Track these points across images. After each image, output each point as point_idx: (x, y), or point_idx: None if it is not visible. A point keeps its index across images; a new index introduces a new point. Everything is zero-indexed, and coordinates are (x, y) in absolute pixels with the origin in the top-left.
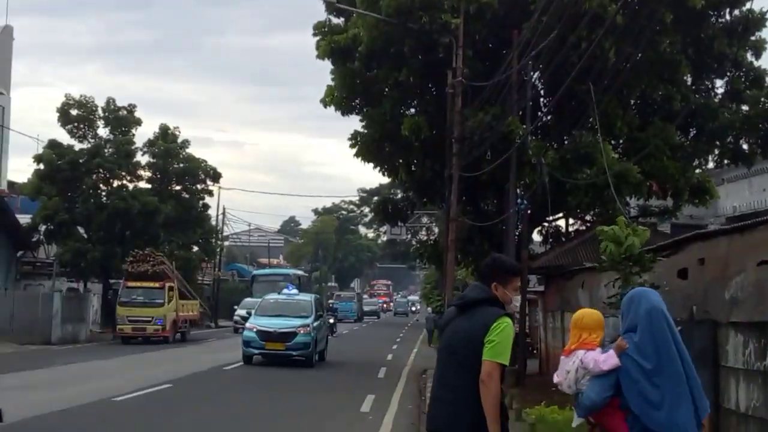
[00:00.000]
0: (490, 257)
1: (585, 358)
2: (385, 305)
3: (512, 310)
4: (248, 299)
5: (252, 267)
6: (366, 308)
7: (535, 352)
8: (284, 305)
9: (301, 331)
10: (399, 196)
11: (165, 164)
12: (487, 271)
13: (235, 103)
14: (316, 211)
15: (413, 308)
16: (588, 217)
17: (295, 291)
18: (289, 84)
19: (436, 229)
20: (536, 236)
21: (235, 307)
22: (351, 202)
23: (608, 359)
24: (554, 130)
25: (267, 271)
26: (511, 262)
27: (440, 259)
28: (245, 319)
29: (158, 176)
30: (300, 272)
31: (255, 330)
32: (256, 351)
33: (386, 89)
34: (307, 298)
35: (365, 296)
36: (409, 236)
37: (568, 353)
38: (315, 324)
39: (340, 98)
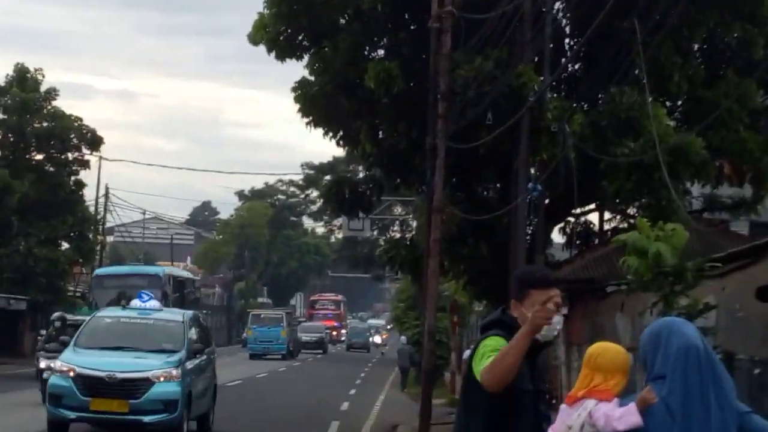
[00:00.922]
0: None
1: (595, 412)
2: (334, 333)
3: (543, 336)
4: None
5: None
6: (304, 337)
7: (554, 402)
8: (131, 330)
9: (161, 378)
10: (360, 175)
11: (20, 123)
12: (512, 288)
13: (127, 36)
14: (240, 195)
15: (377, 339)
16: (631, 210)
17: (154, 303)
18: (203, 10)
19: (414, 224)
20: (557, 236)
21: (42, 332)
22: (292, 182)
23: (626, 416)
24: (584, 85)
25: (118, 270)
26: (532, 269)
27: (419, 266)
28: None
29: (10, 139)
30: (183, 273)
31: (72, 375)
32: (73, 414)
33: (343, 21)
34: (175, 317)
35: (302, 319)
36: (375, 233)
37: (572, 402)
38: (189, 365)
39: (276, 33)
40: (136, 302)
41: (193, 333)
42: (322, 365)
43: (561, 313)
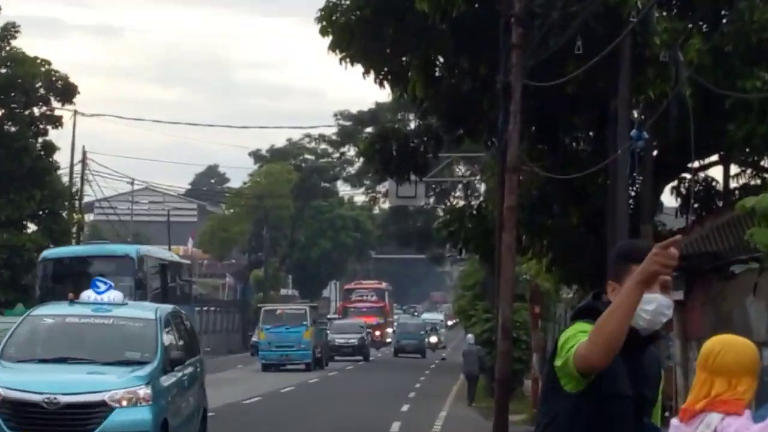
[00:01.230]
0: None
1: (724, 429)
2: (377, 333)
3: (647, 327)
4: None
5: None
6: (337, 339)
7: (667, 415)
8: (81, 335)
9: (124, 402)
10: (411, 125)
11: None
12: (609, 267)
13: None
14: (256, 156)
15: (435, 337)
16: (765, 162)
17: (115, 295)
18: None
19: (482, 188)
20: (668, 199)
21: None
22: (323, 138)
23: None
24: None
25: (73, 251)
26: (634, 243)
27: (489, 242)
28: None
29: None
30: (167, 255)
31: None
32: None
33: None
34: (145, 314)
35: (333, 316)
36: (431, 201)
37: (689, 417)
38: (165, 381)
39: None
40: (88, 294)
41: (170, 337)
42: (365, 374)
43: (671, 297)
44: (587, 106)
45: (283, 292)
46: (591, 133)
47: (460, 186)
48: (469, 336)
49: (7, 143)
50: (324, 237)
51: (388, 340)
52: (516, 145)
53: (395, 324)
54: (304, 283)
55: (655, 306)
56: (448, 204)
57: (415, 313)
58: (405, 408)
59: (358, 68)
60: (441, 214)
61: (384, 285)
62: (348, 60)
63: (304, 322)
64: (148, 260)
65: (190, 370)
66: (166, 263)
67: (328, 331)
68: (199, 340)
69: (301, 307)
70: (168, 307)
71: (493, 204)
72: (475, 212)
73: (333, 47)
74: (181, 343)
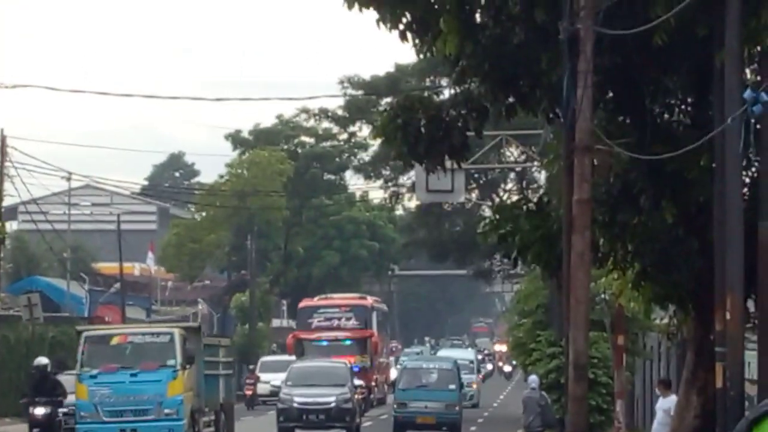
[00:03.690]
0: None
1: None
2: (363, 386)
3: None
4: None
5: (81, 283)
6: (297, 399)
7: None
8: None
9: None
10: (445, 93)
11: None
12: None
13: None
14: (236, 139)
15: (470, 381)
16: None
17: None
18: None
19: (542, 175)
20: None
21: None
22: (324, 114)
23: None
24: None
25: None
26: None
27: (553, 250)
28: None
29: None
30: None
31: None
32: None
33: None
34: None
35: (276, 356)
36: (474, 196)
37: None
38: None
39: None
40: None
41: None
42: None
43: None
44: (683, 62)
45: (275, 323)
46: (689, 99)
47: (512, 175)
48: (532, 378)
49: None
50: (329, 248)
51: (387, 395)
52: (587, 117)
53: (398, 367)
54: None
55: None
56: (497, 199)
57: (432, 349)
58: None
59: (370, 14)
60: (487, 212)
61: (369, 301)
62: (357, 2)
63: (170, 362)
64: None
65: None
66: None
67: (274, 384)
68: None
69: (163, 331)
70: None
71: (559, 197)
72: (533, 208)
73: None
74: None
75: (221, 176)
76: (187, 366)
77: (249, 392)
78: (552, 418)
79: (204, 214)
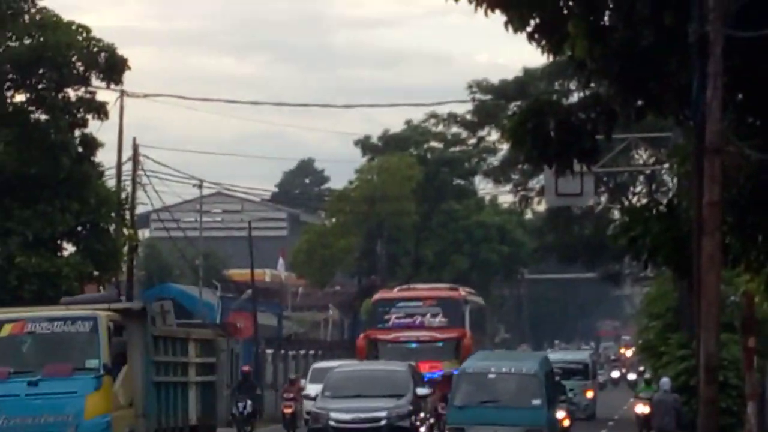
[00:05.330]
0: None
1: None
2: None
3: None
4: None
5: (212, 290)
6: (334, 415)
7: None
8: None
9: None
10: (574, 97)
11: None
12: None
13: None
14: (365, 145)
15: (583, 387)
16: None
17: None
18: None
19: (672, 179)
20: None
21: None
22: (454, 119)
23: None
24: None
25: None
26: None
27: (684, 252)
28: None
29: None
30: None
31: None
32: None
33: None
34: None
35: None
36: (603, 199)
37: None
38: None
39: None
40: None
41: None
42: None
43: None
44: None
45: None
46: None
47: (642, 178)
48: (664, 380)
49: (35, 137)
50: (459, 252)
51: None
52: (717, 118)
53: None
54: None
55: None
56: (627, 203)
57: (559, 347)
58: None
59: (498, 18)
60: (617, 216)
61: (461, 292)
62: (484, 6)
63: (91, 362)
64: None
65: None
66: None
67: (291, 397)
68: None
69: (81, 315)
70: None
71: (689, 200)
72: (664, 211)
73: None
74: None
75: (351, 182)
76: (119, 369)
77: (288, 410)
78: (686, 421)
79: (334, 220)
